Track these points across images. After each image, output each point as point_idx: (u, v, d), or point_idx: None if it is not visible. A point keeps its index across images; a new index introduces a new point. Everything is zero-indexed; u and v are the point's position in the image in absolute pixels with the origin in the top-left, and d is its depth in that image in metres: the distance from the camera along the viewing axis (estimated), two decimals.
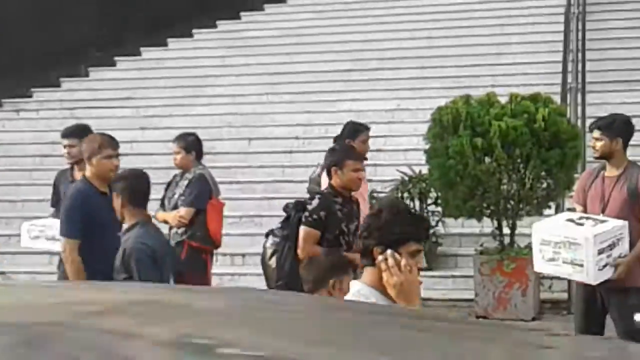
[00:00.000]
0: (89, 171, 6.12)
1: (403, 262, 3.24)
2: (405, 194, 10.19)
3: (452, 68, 14.15)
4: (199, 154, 7.71)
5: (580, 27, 12.89)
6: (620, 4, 15.18)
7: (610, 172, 6.03)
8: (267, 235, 6.22)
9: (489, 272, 9.09)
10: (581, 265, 5.66)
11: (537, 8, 15.37)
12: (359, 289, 3.36)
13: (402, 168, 10.51)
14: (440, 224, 10.17)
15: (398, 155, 11.94)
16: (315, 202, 5.94)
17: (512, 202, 9.09)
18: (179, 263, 6.63)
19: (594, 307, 5.96)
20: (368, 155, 7.73)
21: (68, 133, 7.37)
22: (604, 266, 5.69)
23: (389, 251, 3.27)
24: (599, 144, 6.03)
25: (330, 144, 7.53)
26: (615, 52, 13.95)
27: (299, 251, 5.83)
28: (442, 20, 15.69)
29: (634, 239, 5.79)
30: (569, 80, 11.59)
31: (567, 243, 5.71)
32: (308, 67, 14.80)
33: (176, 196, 7.57)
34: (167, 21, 16.52)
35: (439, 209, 9.91)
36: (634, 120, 11.59)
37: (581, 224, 5.76)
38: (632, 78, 13.13)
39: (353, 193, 6.09)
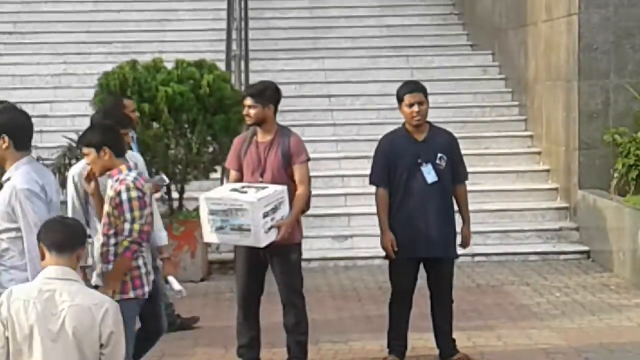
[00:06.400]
0: None
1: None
2: (73, 160, 9.98)
3: (120, 33, 14.01)
4: None
5: None
6: None
7: (263, 137, 6.25)
8: None
9: None
10: (249, 230, 5.90)
11: None
12: None
13: (69, 134, 10.28)
14: None
15: (65, 121, 11.68)
16: None
17: (180, 167, 9.25)
18: None
19: (256, 264, 6.23)
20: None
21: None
22: (269, 229, 5.97)
23: None
24: (252, 112, 6.24)
25: None
26: (275, 21, 14.54)
27: None
28: None
29: (291, 200, 6.14)
30: (234, 47, 11.93)
31: (234, 210, 5.93)
32: None
33: None
34: None
35: None
36: (291, 87, 12.33)
37: (245, 192, 6.00)
38: (290, 47, 13.78)
39: None
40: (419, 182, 6.33)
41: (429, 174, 6.33)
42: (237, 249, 6.39)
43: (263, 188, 6.03)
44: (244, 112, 6.29)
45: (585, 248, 9.96)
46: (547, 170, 11.13)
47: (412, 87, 6.45)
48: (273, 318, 6.51)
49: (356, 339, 7.09)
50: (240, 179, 6.28)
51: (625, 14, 10.19)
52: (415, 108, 6.32)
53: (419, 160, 6.33)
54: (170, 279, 5.68)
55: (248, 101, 6.23)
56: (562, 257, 9.88)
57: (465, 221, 6.53)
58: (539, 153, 11.42)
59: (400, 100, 6.40)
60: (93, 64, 12.62)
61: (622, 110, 10.17)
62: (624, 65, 10.20)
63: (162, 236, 5.79)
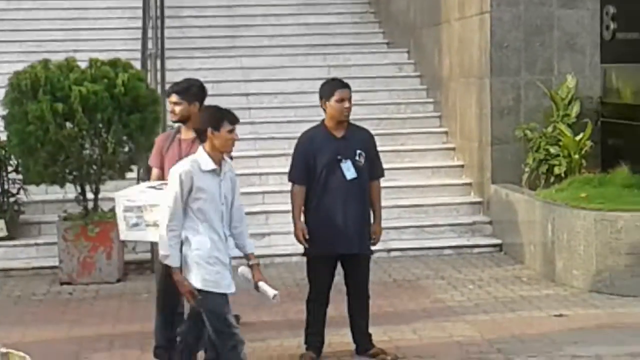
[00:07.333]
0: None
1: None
2: None
3: (32, 32, 13.77)
4: None
5: None
6: None
7: (187, 134, 6.29)
8: None
9: (73, 238, 9.11)
10: None
11: None
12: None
13: None
14: (22, 191, 9.94)
15: None
16: None
17: (94, 167, 9.16)
18: None
19: None
20: None
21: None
22: None
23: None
24: (177, 108, 6.27)
25: None
26: (192, 20, 14.47)
27: None
28: None
29: None
30: (149, 46, 11.84)
31: (148, 206, 5.90)
32: None
33: None
34: None
35: (20, 176, 9.70)
36: (209, 86, 12.21)
37: (161, 189, 5.98)
38: (207, 45, 13.73)
39: None
40: (338, 179, 6.40)
41: (349, 171, 6.40)
42: (155, 249, 6.35)
43: None
44: (169, 108, 6.34)
45: (498, 241, 10.17)
46: (462, 166, 11.34)
47: (343, 83, 6.53)
48: None
49: (274, 337, 7.13)
50: (162, 177, 6.27)
51: (535, 12, 10.43)
52: (346, 104, 6.40)
53: (339, 157, 6.40)
54: (261, 284, 5.63)
55: (173, 98, 6.28)
56: (475, 250, 10.08)
57: (377, 218, 6.61)
58: (453, 149, 11.62)
59: (330, 95, 6.41)
60: (4, 63, 12.35)
61: (532, 107, 10.41)
62: (534, 62, 10.44)
63: (251, 243, 5.98)
